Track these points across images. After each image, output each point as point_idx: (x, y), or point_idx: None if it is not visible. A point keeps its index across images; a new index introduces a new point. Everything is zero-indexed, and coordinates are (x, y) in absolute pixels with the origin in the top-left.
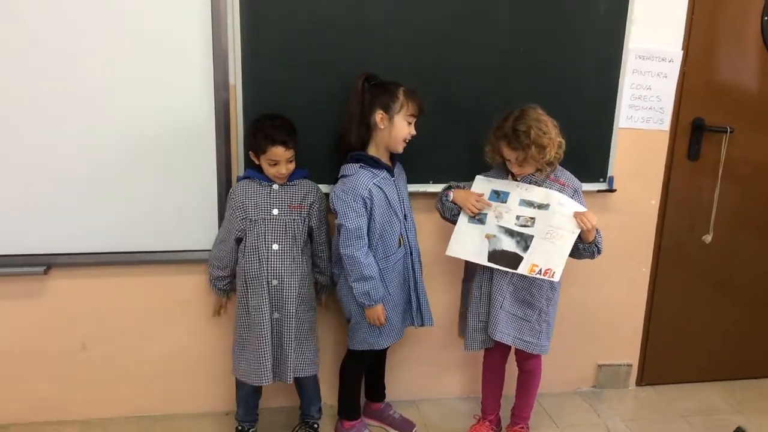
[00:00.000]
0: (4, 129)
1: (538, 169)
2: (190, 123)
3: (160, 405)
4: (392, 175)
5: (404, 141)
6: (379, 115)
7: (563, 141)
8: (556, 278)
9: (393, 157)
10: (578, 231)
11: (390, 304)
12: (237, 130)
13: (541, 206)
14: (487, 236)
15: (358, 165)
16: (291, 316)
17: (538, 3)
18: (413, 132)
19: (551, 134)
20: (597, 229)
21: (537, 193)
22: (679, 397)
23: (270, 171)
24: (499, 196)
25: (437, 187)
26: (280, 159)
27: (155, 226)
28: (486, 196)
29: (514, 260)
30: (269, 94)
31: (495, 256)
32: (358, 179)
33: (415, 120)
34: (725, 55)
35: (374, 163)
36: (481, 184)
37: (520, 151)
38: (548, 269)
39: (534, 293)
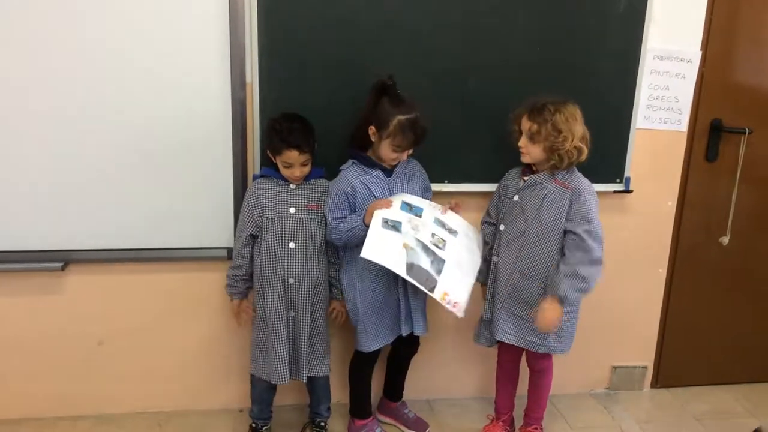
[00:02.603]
0: (24, 128)
1: (552, 165)
2: (206, 121)
3: (175, 401)
4: (387, 176)
5: (392, 161)
6: (371, 129)
7: (584, 149)
8: (460, 314)
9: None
10: (477, 268)
11: (374, 306)
12: (253, 128)
13: (451, 230)
14: (405, 246)
15: (351, 161)
16: (306, 314)
17: (558, 3)
18: (402, 158)
19: (575, 132)
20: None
21: (449, 217)
22: (694, 399)
23: (284, 173)
24: (411, 209)
25: (453, 187)
26: (293, 162)
27: (172, 224)
28: (396, 206)
29: (430, 281)
30: (286, 92)
31: (412, 269)
32: (345, 175)
33: (403, 151)
34: (744, 55)
35: (367, 162)
36: (396, 196)
37: (534, 123)
38: (456, 302)
39: (534, 293)
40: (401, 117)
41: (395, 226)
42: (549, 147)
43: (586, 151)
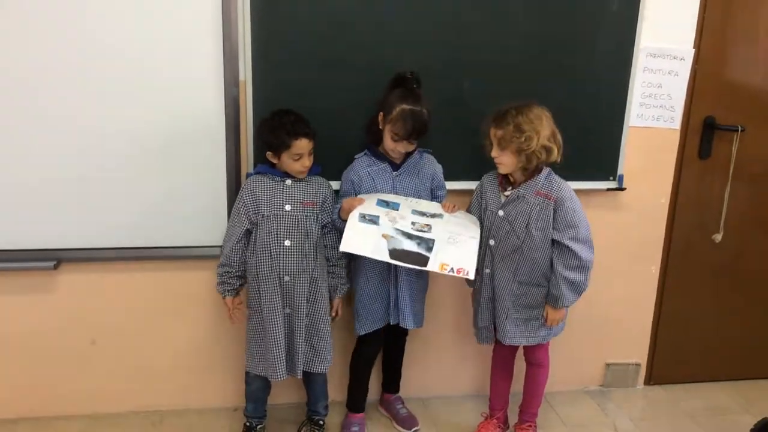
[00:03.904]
0: (16, 126)
1: (521, 168)
2: (199, 119)
3: (169, 400)
4: (394, 170)
5: (392, 152)
6: (380, 116)
7: (554, 147)
8: (471, 276)
9: (412, 154)
10: (478, 236)
11: (368, 294)
12: (247, 126)
13: (434, 215)
14: (384, 236)
15: (364, 151)
16: (302, 311)
17: (551, 2)
18: (400, 149)
19: (541, 131)
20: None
21: (427, 206)
22: (687, 396)
23: (294, 167)
24: (388, 205)
25: (448, 185)
26: (304, 151)
27: (165, 222)
28: (372, 203)
29: (420, 258)
30: (280, 89)
31: (397, 254)
32: (355, 164)
33: (401, 141)
34: (737, 53)
35: (376, 154)
36: (368, 195)
37: (498, 129)
38: (461, 268)
39: (536, 296)
40: (405, 106)
41: (373, 220)
42: (516, 149)
43: (555, 150)
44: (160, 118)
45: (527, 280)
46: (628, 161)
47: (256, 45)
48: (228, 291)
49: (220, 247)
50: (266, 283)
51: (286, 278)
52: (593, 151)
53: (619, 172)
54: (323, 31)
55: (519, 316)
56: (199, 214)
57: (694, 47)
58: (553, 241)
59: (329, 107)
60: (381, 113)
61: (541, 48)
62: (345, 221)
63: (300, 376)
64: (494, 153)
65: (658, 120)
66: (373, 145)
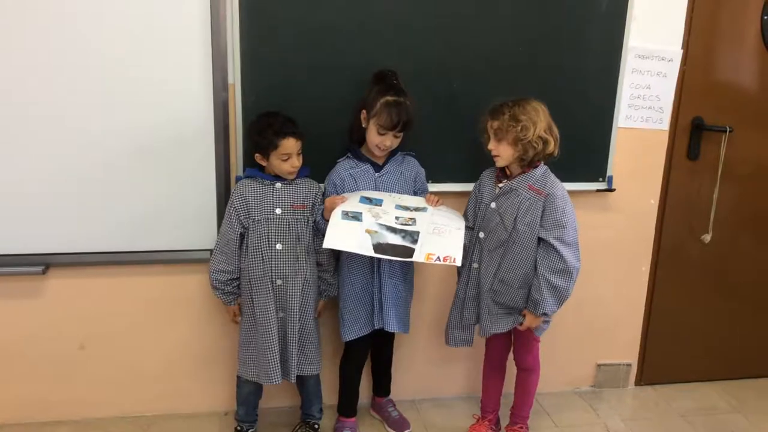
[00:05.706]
0: (3, 129)
1: (518, 158)
2: (189, 122)
3: (159, 405)
4: (377, 171)
5: (378, 148)
6: (363, 114)
7: (550, 139)
8: (458, 262)
9: (395, 156)
10: (463, 227)
11: (352, 298)
12: (236, 129)
13: (418, 209)
14: (368, 231)
15: (347, 154)
16: (295, 315)
17: (539, 2)
18: (386, 144)
19: (536, 122)
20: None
21: (411, 200)
22: (678, 396)
23: (283, 167)
24: (371, 201)
25: (438, 187)
26: (292, 151)
27: (154, 226)
28: (355, 200)
29: (405, 251)
30: (269, 93)
31: (382, 248)
32: (337, 167)
33: (388, 133)
34: (725, 54)
35: (358, 156)
36: (351, 193)
37: (495, 121)
38: (447, 256)
39: (516, 298)
40: (388, 98)
41: (356, 217)
42: (513, 140)
43: (552, 142)
44: (149, 123)
45: (508, 278)
46: (617, 162)
47: (245, 49)
48: (232, 300)
49: (211, 251)
50: (259, 287)
51: (279, 282)
52: (582, 152)
53: (609, 173)
54: (312, 35)
55: (499, 312)
56: (189, 218)
57: (682, 48)
58: (539, 241)
59: (318, 110)
60: (363, 111)
61: (530, 49)
62: (328, 221)
63: (294, 380)
64: (491, 145)
65: (647, 121)
66: (355, 146)
